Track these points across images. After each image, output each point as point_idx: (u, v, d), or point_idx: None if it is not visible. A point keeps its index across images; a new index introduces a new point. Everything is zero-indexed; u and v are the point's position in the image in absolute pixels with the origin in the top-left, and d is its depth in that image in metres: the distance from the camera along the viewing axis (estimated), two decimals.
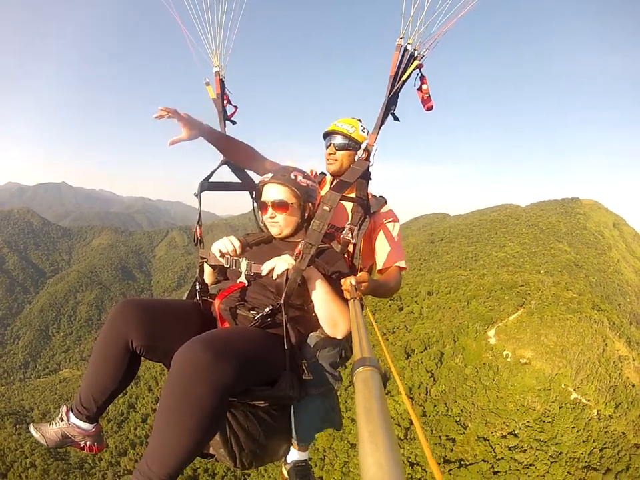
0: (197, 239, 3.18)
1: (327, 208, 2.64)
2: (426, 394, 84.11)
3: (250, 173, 3.63)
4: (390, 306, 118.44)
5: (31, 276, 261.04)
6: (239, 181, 3.56)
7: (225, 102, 3.68)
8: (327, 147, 3.61)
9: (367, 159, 3.03)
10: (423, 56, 2.79)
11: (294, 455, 3.22)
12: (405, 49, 2.78)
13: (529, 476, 64.48)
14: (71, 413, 2.76)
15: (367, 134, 3.46)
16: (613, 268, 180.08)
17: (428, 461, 0.87)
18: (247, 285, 2.89)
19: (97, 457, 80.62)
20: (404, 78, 2.81)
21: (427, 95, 2.92)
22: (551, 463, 65.34)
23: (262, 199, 3.06)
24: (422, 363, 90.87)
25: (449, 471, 67.43)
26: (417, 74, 2.87)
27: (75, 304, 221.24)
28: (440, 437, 74.70)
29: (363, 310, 2.91)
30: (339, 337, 2.73)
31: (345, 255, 3.22)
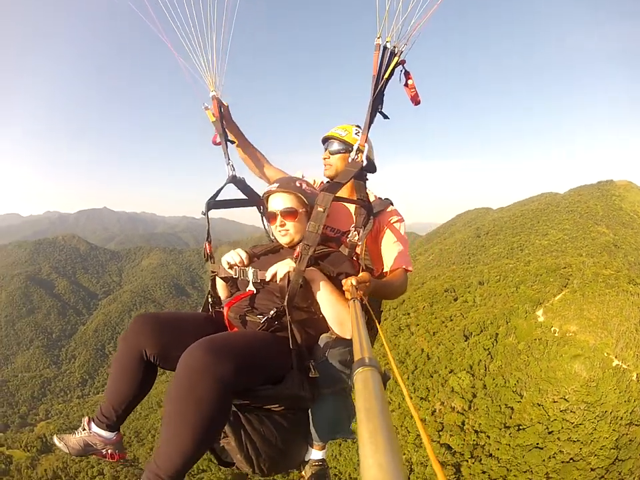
0: (207, 254, 3.32)
1: (321, 209, 2.73)
2: (485, 370, 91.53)
3: (255, 188, 3.68)
4: (445, 297, 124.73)
5: (82, 298, 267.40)
6: (245, 198, 3.62)
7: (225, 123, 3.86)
8: (324, 153, 3.74)
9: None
10: (402, 51, 2.83)
11: (311, 453, 3.21)
12: (385, 48, 2.82)
13: (578, 433, 71.87)
14: (92, 422, 2.90)
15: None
16: None
17: (427, 450, 0.85)
18: (255, 292, 2.98)
19: None
20: (386, 76, 2.86)
21: (414, 90, 3.00)
22: (598, 421, 72.51)
23: (270, 209, 3.18)
24: (479, 343, 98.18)
25: (509, 434, 75.80)
26: (401, 70, 2.93)
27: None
28: (500, 405, 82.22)
29: (376, 311, 3.45)
30: (348, 336, 2.75)
31: (354, 258, 3.28)
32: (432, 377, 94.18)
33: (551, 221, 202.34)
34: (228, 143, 3.80)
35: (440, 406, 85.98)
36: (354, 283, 2.53)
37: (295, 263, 2.74)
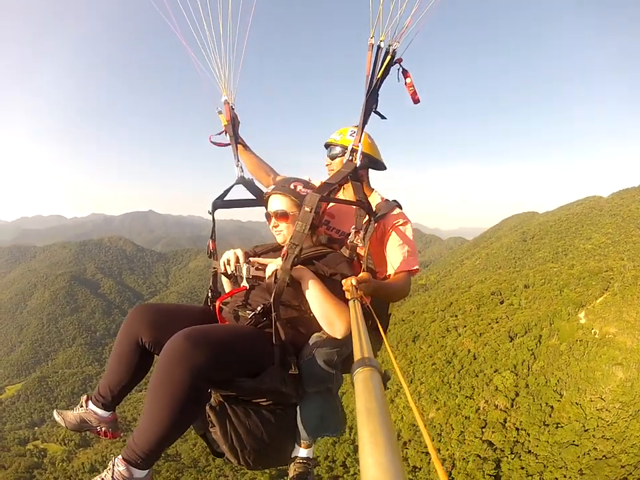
0: (210, 251, 3.41)
1: (308, 209, 2.75)
2: (528, 369, 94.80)
3: (263, 188, 3.70)
4: (492, 300, 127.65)
5: (128, 298, 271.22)
6: (253, 198, 3.63)
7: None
8: (325, 159, 3.76)
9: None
10: (395, 50, 2.79)
11: (298, 451, 3.18)
12: (379, 47, 2.79)
13: (612, 431, 74.54)
14: (89, 401, 3.05)
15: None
16: None
17: (431, 455, 0.79)
18: (250, 288, 3.04)
19: (211, 456, 76.51)
20: (379, 76, 2.83)
21: (412, 89, 2.96)
22: (630, 420, 74.75)
23: (266, 211, 3.25)
24: (524, 344, 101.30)
25: (548, 431, 79.34)
26: (398, 69, 2.89)
27: None
28: (540, 404, 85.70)
29: (384, 313, 3.53)
30: (339, 336, 2.73)
31: (356, 259, 3.24)
32: (477, 376, 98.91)
33: (595, 225, 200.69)
34: (237, 145, 3.94)
35: (484, 404, 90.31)
36: (354, 282, 2.53)
37: (282, 261, 2.77)
